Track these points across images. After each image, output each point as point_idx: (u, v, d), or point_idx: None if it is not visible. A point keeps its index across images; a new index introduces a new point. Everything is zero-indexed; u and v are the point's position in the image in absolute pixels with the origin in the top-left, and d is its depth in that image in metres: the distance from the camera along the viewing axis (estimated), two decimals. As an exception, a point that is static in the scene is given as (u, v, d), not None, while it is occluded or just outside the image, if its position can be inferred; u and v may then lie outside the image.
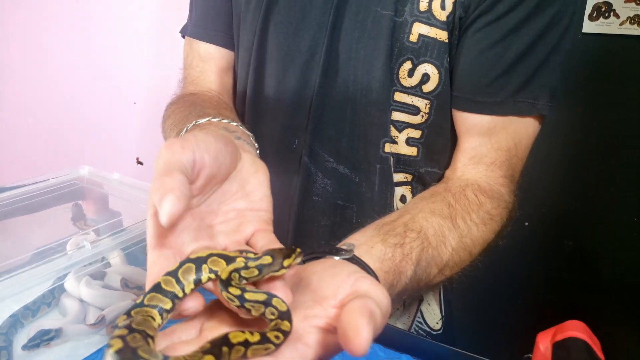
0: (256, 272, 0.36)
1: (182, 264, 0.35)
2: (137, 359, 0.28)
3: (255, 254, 0.38)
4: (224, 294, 0.34)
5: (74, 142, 2.12)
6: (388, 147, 0.71)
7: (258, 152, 0.53)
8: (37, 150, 2.13)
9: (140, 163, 2.04)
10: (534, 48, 0.64)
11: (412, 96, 0.69)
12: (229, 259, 0.37)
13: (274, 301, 0.35)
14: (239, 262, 0.36)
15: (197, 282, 0.35)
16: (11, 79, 2.12)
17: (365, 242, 0.51)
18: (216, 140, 0.39)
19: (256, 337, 0.32)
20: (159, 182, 0.33)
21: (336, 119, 0.71)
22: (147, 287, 0.35)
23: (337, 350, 0.35)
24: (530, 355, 0.48)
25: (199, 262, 0.36)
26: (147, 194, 0.36)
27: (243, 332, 0.32)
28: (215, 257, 0.36)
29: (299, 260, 0.37)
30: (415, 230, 0.56)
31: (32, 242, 0.64)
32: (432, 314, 0.83)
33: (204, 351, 0.30)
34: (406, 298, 0.56)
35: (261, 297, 0.35)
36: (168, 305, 0.34)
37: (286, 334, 0.33)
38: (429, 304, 0.83)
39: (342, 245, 0.49)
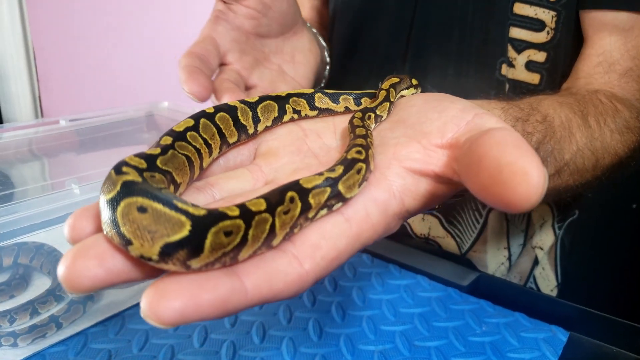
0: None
1: (261, 99, 0.33)
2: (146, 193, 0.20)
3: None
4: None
5: (151, 88, 2.13)
6: (504, 70, 0.61)
7: (327, 53, 0.50)
8: (114, 89, 2.16)
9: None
10: None
11: (535, 7, 0.58)
12: (308, 98, 0.35)
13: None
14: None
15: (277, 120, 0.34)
16: (91, 35, 2.17)
17: (482, 104, 0.41)
18: None
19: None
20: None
21: (441, 41, 0.62)
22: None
23: (430, 203, 0.26)
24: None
25: (280, 100, 0.34)
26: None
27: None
28: (295, 97, 0.35)
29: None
30: (542, 113, 0.46)
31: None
32: (546, 280, 0.73)
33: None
34: None
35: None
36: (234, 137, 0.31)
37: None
38: (542, 268, 0.73)
39: None
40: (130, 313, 0.50)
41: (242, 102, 0.33)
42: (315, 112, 0.35)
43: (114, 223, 0.20)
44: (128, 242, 0.19)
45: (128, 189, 0.20)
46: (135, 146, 0.68)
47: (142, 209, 0.19)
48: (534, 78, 0.61)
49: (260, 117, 0.33)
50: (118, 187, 0.20)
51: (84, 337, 0.47)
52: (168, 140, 0.27)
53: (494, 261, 0.72)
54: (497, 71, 0.60)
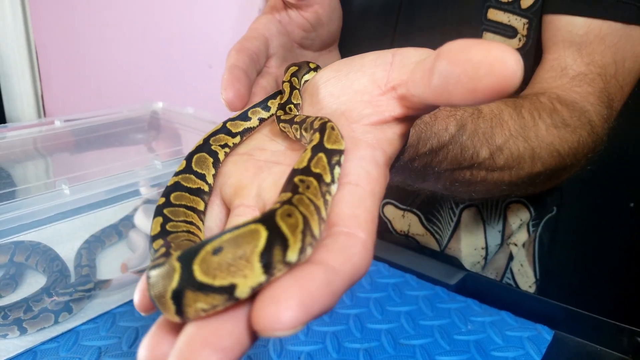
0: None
1: (188, 157, 0.34)
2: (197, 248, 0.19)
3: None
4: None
5: (154, 87, 2.14)
6: None
7: None
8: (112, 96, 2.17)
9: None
10: None
11: (508, 14, 0.58)
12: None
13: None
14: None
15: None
16: (93, 34, 2.18)
17: None
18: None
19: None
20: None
21: (424, 40, 0.63)
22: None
23: (402, 142, 0.28)
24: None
25: (204, 147, 0.34)
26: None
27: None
28: (213, 137, 0.35)
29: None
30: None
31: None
32: (525, 276, 0.73)
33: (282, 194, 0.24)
34: (448, 166, 0.46)
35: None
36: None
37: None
38: (521, 265, 0.73)
39: None
40: (120, 311, 0.51)
41: (176, 174, 0.33)
42: (237, 139, 0.35)
43: (202, 286, 0.19)
44: (231, 288, 0.19)
45: (183, 255, 0.19)
46: (131, 146, 0.68)
47: (215, 251, 0.19)
48: None
49: (202, 172, 0.33)
50: (175, 262, 0.19)
51: (74, 334, 0.48)
52: (160, 242, 0.26)
53: (470, 260, 0.72)
54: None
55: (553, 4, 0.57)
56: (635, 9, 0.53)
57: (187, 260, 0.19)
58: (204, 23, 2.05)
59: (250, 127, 0.36)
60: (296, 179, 0.24)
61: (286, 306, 0.17)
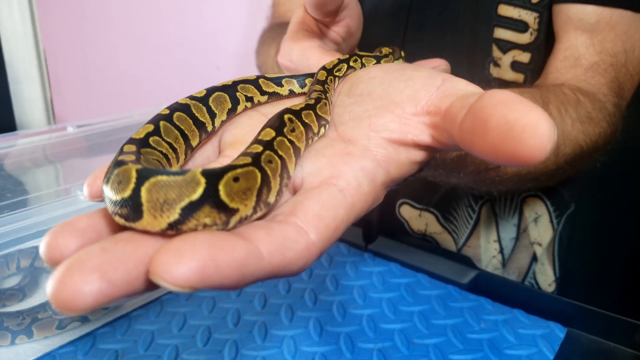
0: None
1: (209, 91, 0.33)
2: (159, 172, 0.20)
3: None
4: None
5: (163, 91, 2.16)
6: (492, 70, 0.62)
7: None
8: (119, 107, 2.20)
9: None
10: None
11: (519, 8, 0.59)
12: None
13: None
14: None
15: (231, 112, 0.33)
16: (102, 38, 2.20)
17: None
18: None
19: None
20: None
21: (435, 41, 0.63)
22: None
23: (410, 171, 0.27)
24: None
25: (229, 89, 0.33)
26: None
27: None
28: (242, 84, 0.35)
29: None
30: None
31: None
32: (544, 275, 0.73)
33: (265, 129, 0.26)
34: (474, 169, 0.47)
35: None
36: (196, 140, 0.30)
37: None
38: (542, 264, 0.73)
39: None
40: (136, 314, 0.52)
41: (192, 98, 0.32)
42: (265, 97, 0.35)
43: (220, 205, 0.20)
44: (235, 211, 0.21)
45: (209, 173, 0.21)
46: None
47: (235, 179, 0.21)
48: (518, 78, 0.62)
49: (215, 111, 0.32)
50: (200, 177, 0.20)
51: (92, 338, 0.49)
52: (132, 147, 0.25)
53: (486, 255, 0.73)
54: (487, 70, 0.61)
55: None
56: None
57: (213, 178, 0.20)
58: (212, 26, 2.06)
59: (279, 94, 0.36)
60: (286, 117, 0.27)
61: (184, 263, 0.17)
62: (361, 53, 0.38)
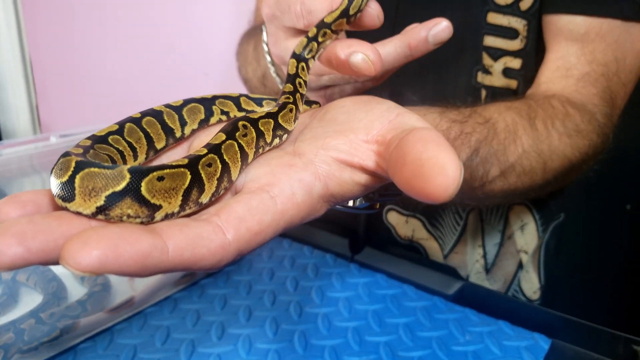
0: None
1: (186, 102, 0.34)
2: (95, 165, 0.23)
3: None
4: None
5: (150, 97, 2.15)
6: (481, 78, 0.62)
7: None
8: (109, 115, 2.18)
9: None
10: None
11: (508, 16, 0.59)
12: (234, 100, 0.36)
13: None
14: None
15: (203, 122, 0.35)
16: (88, 44, 2.19)
17: (419, 110, 0.43)
18: None
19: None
20: None
21: None
22: None
23: (356, 192, 0.29)
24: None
25: (206, 102, 0.35)
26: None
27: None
28: (221, 99, 0.36)
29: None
30: (483, 116, 0.47)
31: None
32: (529, 282, 0.74)
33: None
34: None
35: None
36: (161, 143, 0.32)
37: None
38: (527, 271, 0.74)
39: None
40: (151, 311, 0.54)
41: (167, 106, 0.33)
42: (242, 114, 0.35)
43: (142, 199, 0.22)
44: (158, 207, 0.23)
45: (135, 170, 0.23)
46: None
47: (159, 179, 0.23)
48: (510, 84, 0.62)
49: (187, 120, 0.33)
50: (126, 172, 0.22)
51: (110, 333, 0.50)
52: (87, 142, 0.27)
53: (471, 259, 0.73)
54: (473, 78, 0.62)
55: (552, 3, 0.58)
56: (634, 6, 0.53)
57: (137, 175, 0.22)
58: (199, 32, 2.05)
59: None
60: (240, 123, 0.28)
61: (87, 251, 0.18)
62: (327, 21, 0.37)
